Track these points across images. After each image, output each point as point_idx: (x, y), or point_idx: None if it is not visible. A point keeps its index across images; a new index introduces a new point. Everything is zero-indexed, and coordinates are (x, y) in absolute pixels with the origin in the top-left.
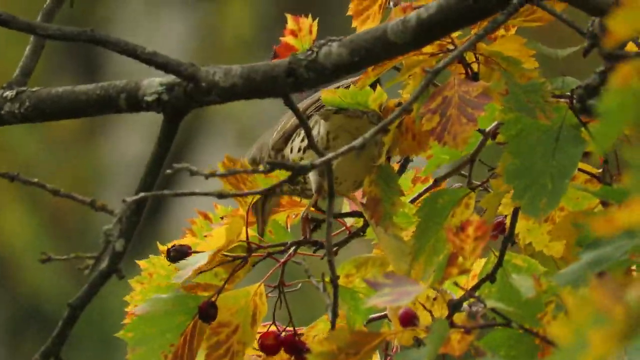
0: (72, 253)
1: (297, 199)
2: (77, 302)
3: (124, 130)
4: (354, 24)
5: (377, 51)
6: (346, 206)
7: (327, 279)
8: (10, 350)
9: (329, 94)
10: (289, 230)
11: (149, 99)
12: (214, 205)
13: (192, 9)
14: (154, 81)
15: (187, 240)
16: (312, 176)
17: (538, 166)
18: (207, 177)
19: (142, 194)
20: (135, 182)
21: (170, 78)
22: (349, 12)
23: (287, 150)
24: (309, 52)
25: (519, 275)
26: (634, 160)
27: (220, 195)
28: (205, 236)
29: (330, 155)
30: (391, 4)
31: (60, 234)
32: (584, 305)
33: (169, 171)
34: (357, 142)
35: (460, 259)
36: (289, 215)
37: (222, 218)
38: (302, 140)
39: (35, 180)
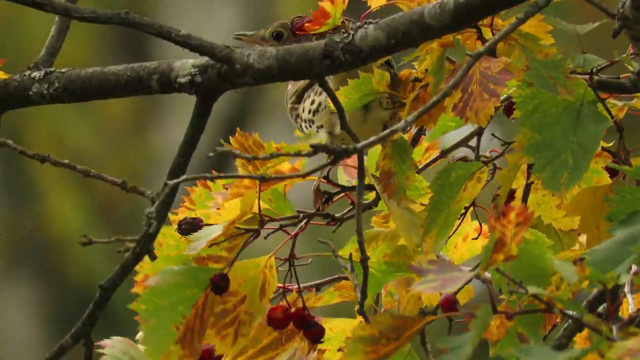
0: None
1: (299, 167)
2: (108, 284)
3: (174, 117)
4: (369, 2)
5: (414, 34)
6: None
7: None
8: (62, 336)
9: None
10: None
11: (182, 80)
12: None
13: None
14: (186, 63)
15: (185, 209)
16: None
17: (559, 142)
18: (249, 159)
19: (184, 177)
20: (198, 165)
21: (203, 60)
22: None
23: (299, 109)
24: (345, 35)
25: (561, 262)
26: None
27: (262, 179)
28: (218, 208)
29: (371, 139)
30: None
31: (112, 221)
32: None
33: (211, 154)
34: (399, 126)
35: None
36: (286, 184)
37: (225, 187)
38: (312, 103)
39: (66, 161)
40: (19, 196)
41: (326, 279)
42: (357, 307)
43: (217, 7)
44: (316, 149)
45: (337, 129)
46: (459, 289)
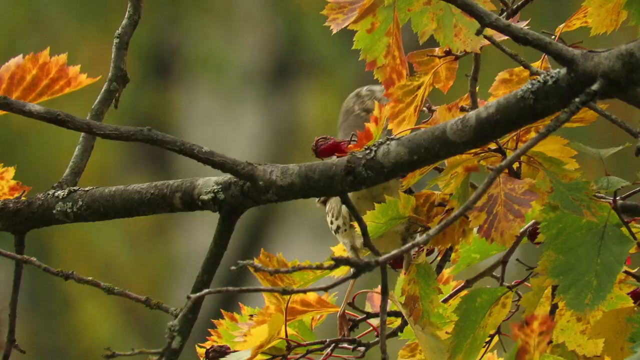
0: (143, 348)
1: (327, 299)
2: None
3: (197, 222)
4: (390, 126)
5: (436, 150)
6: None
7: None
8: None
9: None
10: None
11: (205, 197)
12: (240, 306)
13: (266, 104)
14: (209, 180)
15: (211, 341)
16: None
17: (583, 263)
18: (271, 273)
19: (206, 290)
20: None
21: (226, 177)
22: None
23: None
24: (368, 151)
25: None
26: None
27: (284, 292)
28: (245, 335)
29: (393, 252)
30: (425, 107)
31: (142, 327)
32: None
33: (233, 267)
34: (421, 239)
35: (528, 354)
36: (314, 317)
37: (250, 317)
38: (331, 223)
39: (90, 278)
40: (48, 307)
41: None
42: None
43: (239, 113)
44: (338, 262)
45: (359, 243)
46: None
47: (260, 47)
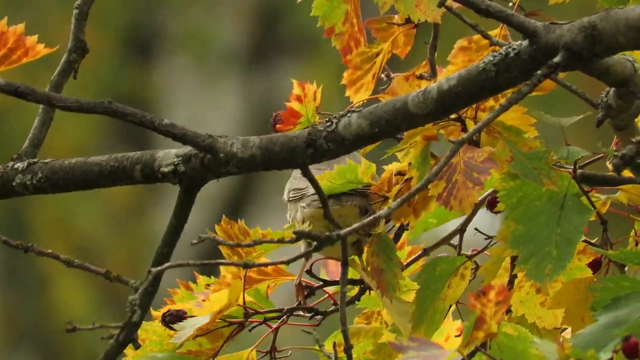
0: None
1: (284, 266)
2: None
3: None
4: (347, 93)
5: (398, 122)
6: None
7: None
8: None
9: (319, 180)
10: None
11: (165, 170)
12: (196, 275)
13: (246, 83)
14: (170, 152)
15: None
16: (302, 243)
17: (543, 233)
18: (232, 247)
19: (167, 264)
20: (189, 252)
21: (187, 149)
22: (343, 82)
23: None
24: (328, 124)
25: (541, 340)
26: None
27: (246, 265)
28: (203, 301)
29: (354, 225)
30: (383, 75)
31: (118, 306)
32: None
33: (194, 242)
34: (382, 213)
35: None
36: (269, 284)
37: (207, 286)
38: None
39: (49, 251)
40: (25, 284)
41: None
42: None
43: (219, 92)
44: (299, 235)
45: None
46: None
47: (241, 26)
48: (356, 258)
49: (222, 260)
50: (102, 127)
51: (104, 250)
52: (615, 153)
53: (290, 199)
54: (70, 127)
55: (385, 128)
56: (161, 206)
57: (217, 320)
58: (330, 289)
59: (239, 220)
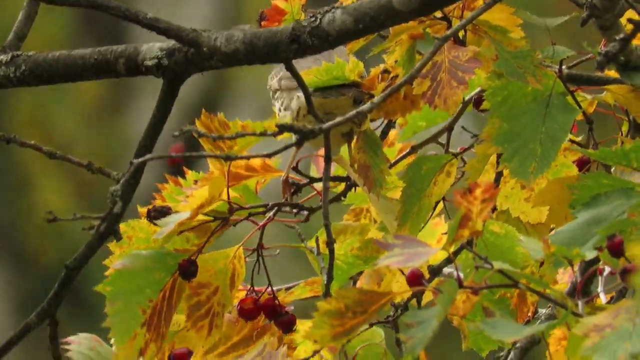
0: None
1: (271, 163)
2: (73, 264)
3: (149, 100)
4: None
5: (382, 19)
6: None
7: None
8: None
9: (305, 76)
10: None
11: (148, 63)
12: (185, 170)
13: None
14: (153, 46)
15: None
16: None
17: (527, 131)
18: (214, 139)
19: (149, 155)
20: (162, 150)
21: (171, 43)
22: None
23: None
24: (313, 19)
25: (526, 238)
26: None
27: (228, 158)
28: (187, 197)
29: (337, 120)
30: None
31: (97, 207)
32: None
33: (176, 133)
34: (365, 107)
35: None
36: (258, 181)
37: (195, 182)
38: (279, 110)
39: (32, 142)
40: (6, 183)
41: (297, 282)
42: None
43: None
44: (282, 128)
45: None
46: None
47: None
48: (344, 155)
49: (204, 153)
50: (79, 26)
51: (80, 149)
52: (599, 51)
53: (283, 87)
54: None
55: (369, 24)
56: (137, 106)
57: (201, 215)
58: (318, 186)
59: (219, 113)
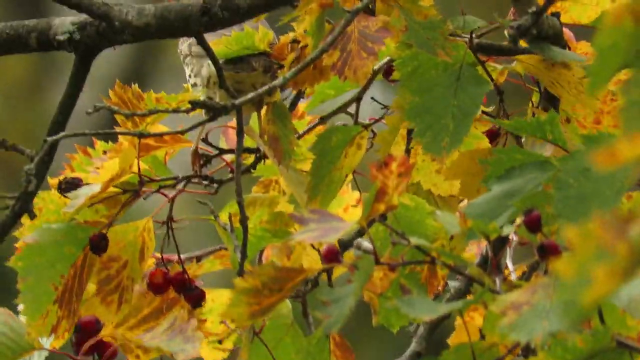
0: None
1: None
2: None
3: None
4: None
5: None
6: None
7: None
8: None
9: (214, 46)
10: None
11: (60, 38)
12: (94, 141)
13: None
14: (65, 20)
15: (67, 175)
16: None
17: (439, 105)
18: (127, 116)
19: (63, 134)
20: (87, 126)
21: (83, 17)
22: None
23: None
24: None
25: (442, 213)
26: (630, 94)
27: (142, 135)
28: (97, 168)
29: (249, 95)
30: None
31: (14, 180)
32: (587, 241)
33: (89, 111)
34: (277, 82)
35: (387, 195)
36: (167, 151)
37: (104, 152)
38: (189, 76)
39: None
40: None
41: (207, 250)
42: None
43: None
44: (194, 105)
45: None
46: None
47: None
48: (254, 126)
49: (118, 130)
50: (5, 5)
51: (2, 127)
52: (512, 24)
53: (193, 53)
54: None
55: None
56: (59, 84)
57: (111, 187)
58: (228, 157)
59: (132, 84)
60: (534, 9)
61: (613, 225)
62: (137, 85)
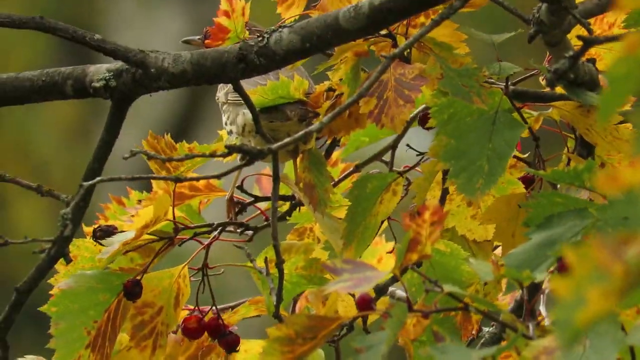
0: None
1: (215, 182)
2: (24, 287)
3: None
4: (279, 10)
5: (329, 37)
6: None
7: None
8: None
9: (250, 95)
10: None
11: (96, 84)
12: (128, 190)
13: (188, 4)
14: (101, 67)
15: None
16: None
17: (474, 148)
18: (164, 161)
19: (98, 178)
20: (124, 170)
21: (119, 64)
22: None
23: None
24: (260, 39)
25: (476, 261)
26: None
27: (177, 180)
28: (132, 216)
29: (285, 140)
30: None
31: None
32: (584, 262)
33: (126, 156)
34: (313, 128)
35: (420, 244)
36: (201, 200)
37: (139, 202)
38: (226, 124)
39: None
40: None
41: (241, 301)
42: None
43: (162, 14)
44: (231, 149)
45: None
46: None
47: None
48: (289, 174)
49: (154, 175)
50: (52, 49)
51: (57, 168)
52: (548, 68)
53: (230, 101)
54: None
55: (317, 43)
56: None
57: (146, 235)
58: (262, 205)
59: (165, 135)
60: (570, 53)
61: (610, 246)
62: (185, 127)
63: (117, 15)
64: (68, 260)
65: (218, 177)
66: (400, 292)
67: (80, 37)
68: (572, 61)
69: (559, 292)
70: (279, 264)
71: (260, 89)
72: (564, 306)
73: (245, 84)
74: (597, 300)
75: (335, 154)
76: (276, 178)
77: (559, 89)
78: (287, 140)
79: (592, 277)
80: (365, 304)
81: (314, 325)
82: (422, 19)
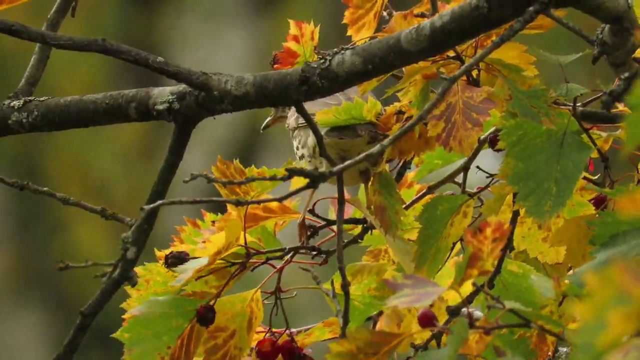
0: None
1: (289, 204)
2: (89, 310)
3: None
4: (349, 32)
5: (391, 59)
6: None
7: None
8: None
9: (322, 115)
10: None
11: (160, 107)
12: (203, 212)
13: (252, 25)
14: (164, 90)
15: (175, 248)
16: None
17: (542, 171)
18: (225, 184)
19: (159, 202)
20: (197, 196)
21: (181, 87)
22: (344, 21)
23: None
24: (322, 61)
25: (537, 277)
26: None
27: (238, 203)
28: (204, 242)
29: (347, 163)
30: (385, 13)
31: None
32: (605, 286)
33: (186, 179)
34: (375, 149)
35: (480, 260)
36: (277, 222)
37: (213, 223)
38: (297, 148)
39: (45, 189)
40: (40, 231)
41: (315, 325)
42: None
43: (225, 34)
44: (291, 172)
45: (325, 168)
46: None
47: None
48: (361, 197)
49: (216, 198)
50: (114, 69)
51: (120, 190)
52: (605, 90)
53: (301, 125)
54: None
55: (379, 65)
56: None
57: (218, 260)
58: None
59: (235, 160)
60: (627, 74)
61: (631, 270)
62: (249, 146)
63: (182, 35)
64: (133, 283)
65: (280, 199)
66: (478, 313)
67: (143, 60)
68: (628, 82)
69: (581, 316)
70: (345, 286)
71: (334, 109)
72: (585, 329)
73: (315, 105)
74: (617, 323)
75: (410, 175)
76: (341, 201)
77: (627, 109)
78: (348, 162)
79: (613, 301)
80: (427, 320)
81: (376, 340)
82: (490, 40)
